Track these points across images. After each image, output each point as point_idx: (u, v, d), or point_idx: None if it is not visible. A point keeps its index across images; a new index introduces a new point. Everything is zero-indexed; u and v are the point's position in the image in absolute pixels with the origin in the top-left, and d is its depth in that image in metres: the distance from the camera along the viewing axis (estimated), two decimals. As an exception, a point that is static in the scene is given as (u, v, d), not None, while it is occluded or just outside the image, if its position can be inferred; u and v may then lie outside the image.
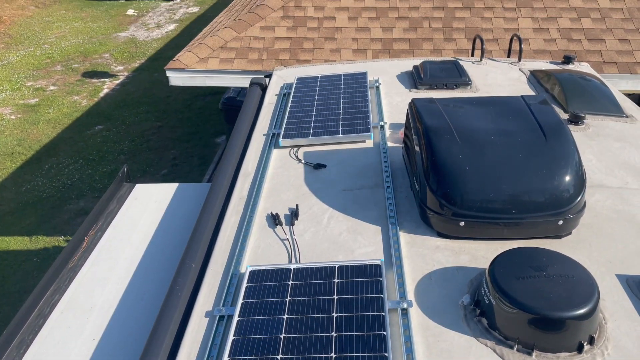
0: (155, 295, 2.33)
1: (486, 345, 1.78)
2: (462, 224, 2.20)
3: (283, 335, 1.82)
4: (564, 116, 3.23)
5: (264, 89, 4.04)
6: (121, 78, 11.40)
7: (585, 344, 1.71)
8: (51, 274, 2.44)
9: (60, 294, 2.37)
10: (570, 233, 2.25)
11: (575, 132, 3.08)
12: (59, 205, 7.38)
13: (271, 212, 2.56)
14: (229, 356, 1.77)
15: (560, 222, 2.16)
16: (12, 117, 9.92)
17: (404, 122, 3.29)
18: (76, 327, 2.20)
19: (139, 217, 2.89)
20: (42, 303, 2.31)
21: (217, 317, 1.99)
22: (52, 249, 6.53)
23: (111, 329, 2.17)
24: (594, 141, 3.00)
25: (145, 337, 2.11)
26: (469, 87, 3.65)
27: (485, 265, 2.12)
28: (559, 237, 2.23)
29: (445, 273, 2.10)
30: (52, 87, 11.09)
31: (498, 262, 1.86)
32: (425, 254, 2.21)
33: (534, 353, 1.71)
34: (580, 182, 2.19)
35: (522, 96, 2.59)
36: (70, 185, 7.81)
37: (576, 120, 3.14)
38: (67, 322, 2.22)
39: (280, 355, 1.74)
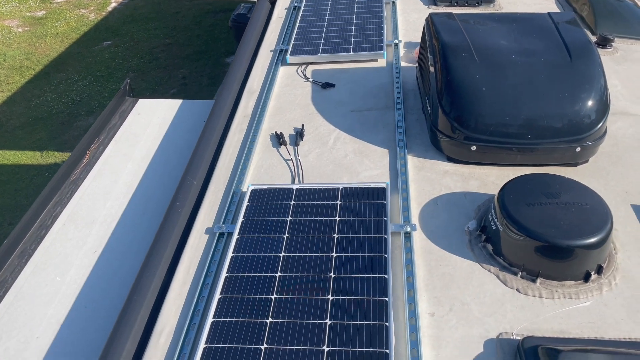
0: (155, 211, 2.30)
1: (489, 271, 1.74)
2: (473, 148, 2.10)
3: (283, 253, 1.79)
4: (592, 38, 3.02)
5: (273, 2, 3.82)
6: (129, -9, 10.95)
7: (592, 273, 1.66)
8: (53, 185, 2.41)
9: (62, 207, 2.35)
10: (587, 161, 2.15)
11: (602, 55, 2.88)
12: (68, 122, 7.34)
13: (275, 132, 2.47)
14: (227, 272, 1.75)
15: (578, 149, 2.05)
16: (20, 29, 9.68)
17: (419, 40, 3.10)
18: (78, 239, 2.19)
19: (141, 132, 2.82)
20: (44, 214, 2.30)
21: (217, 234, 1.96)
22: (63, 165, 6.56)
23: (112, 242, 2.17)
24: (621, 66, 2.82)
25: (145, 251, 2.10)
26: (492, 4, 3.41)
27: (495, 191, 2.04)
28: (575, 164, 2.13)
29: (452, 198, 2.03)
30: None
31: (509, 187, 1.78)
32: (433, 179, 2.13)
33: (538, 280, 1.67)
34: (603, 107, 2.06)
35: (548, 13, 2.40)
36: (79, 101, 7.72)
37: (604, 43, 2.94)
38: (68, 234, 2.22)
39: (279, 273, 1.72)
